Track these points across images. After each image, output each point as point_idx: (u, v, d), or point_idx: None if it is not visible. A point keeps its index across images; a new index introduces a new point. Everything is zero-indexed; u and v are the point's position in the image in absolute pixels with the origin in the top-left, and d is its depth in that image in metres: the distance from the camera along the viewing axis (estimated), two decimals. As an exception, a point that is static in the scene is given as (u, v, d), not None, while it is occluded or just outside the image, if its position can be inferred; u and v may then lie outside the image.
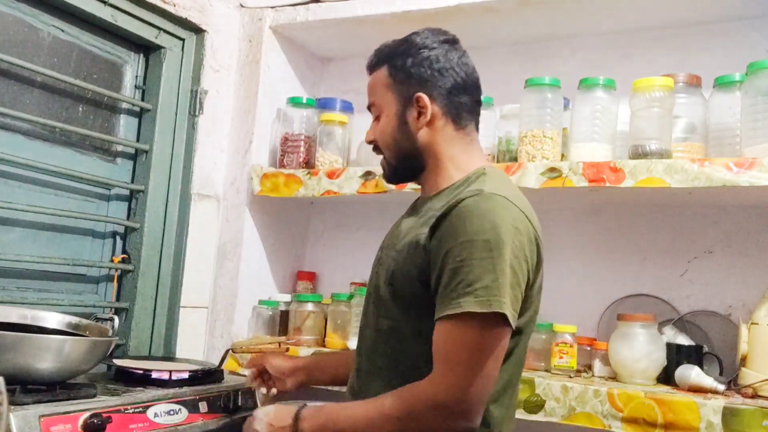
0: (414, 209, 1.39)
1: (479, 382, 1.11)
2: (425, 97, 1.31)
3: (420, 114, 1.31)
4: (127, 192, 2.03)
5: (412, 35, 1.36)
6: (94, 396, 1.43)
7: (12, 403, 1.23)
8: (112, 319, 1.61)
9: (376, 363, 1.30)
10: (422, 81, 1.31)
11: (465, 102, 1.34)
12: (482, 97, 1.40)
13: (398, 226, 1.38)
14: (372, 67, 1.40)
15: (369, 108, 1.42)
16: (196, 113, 2.13)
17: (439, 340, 1.15)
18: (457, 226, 1.16)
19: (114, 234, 2.00)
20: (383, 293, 1.29)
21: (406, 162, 1.35)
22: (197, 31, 2.14)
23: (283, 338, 1.98)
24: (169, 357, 2.03)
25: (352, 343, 2.00)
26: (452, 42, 1.36)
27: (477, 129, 1.39)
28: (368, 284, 1.40)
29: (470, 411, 1.12)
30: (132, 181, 2.04)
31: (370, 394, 1.24)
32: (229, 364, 2.00)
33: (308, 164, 2.18)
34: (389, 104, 1.35)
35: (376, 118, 1.39)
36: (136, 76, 2.07)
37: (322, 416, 1.24)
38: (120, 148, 2.03)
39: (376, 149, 1.40)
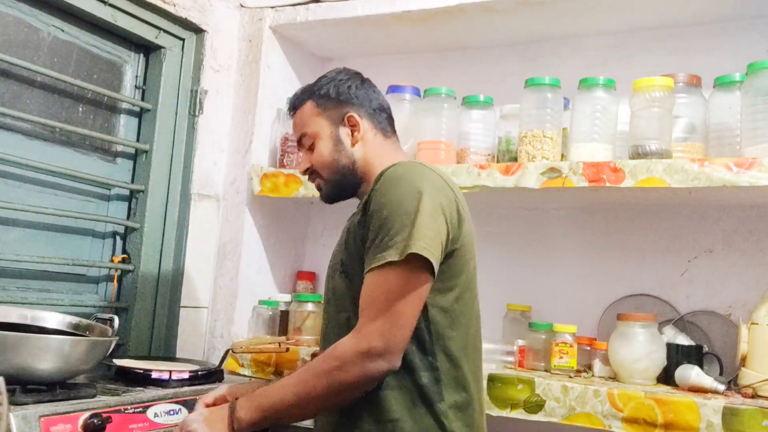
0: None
1: (397, 325, 1.18)
2: (355, 115, 1.44)
3: (353, 131, 1.44)
4: (127, 192, 2.03)
5: (325, 74, 1.50)
6: (94, 396, 1.43)
7: (12, 403, 1.23)
8: (112, 319, 1.61)
9: None
10: (348, 102, 1.45)
11: (385, 118, 1.49)
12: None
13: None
14: (296, 107, 1.51)
15: (299, 142, 1.51)
16: (196, 113, 2.13)
17: (363, 293, 1.22)
18: (379, 194, 1.25)
19: (114, 234, 2.00)
20: (338, 285, 1.35)
21: (346, 178, 1.45)
22: (197, 31, 2.14)
23: (283, 338, 1.98)
24: (169, 357, 2.03)
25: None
26: (359, 74, 1.50)
27: (398, 140, 1.52)
28: (324, 294, 1.47)
29: (390, 353, 1.18)
30: (132, 181, 2.04)
31: None
32: (229, 364, 2.00)
33: (308, 164, 2.18)
34: (322, 128, 1.45)
35: (309, 148, 1.48)
36: (136, 76, 2.07)
37: (255, 398, 1.27)
38: (120, 148, 2.03)
39: (312, 175, 1.49)
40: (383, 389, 1.23)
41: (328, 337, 1.37)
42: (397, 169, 1.28)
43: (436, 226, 1.21)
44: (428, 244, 1.19)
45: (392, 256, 1.18)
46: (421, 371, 1.23)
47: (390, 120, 1.50)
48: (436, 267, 1.21)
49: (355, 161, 1.44)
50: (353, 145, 1.44)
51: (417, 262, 1.18)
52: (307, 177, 1.52)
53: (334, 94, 1.45)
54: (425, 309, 1.23)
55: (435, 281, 1.23)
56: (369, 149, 1.44)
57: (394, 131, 1.51)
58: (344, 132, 1.44)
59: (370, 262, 1.22)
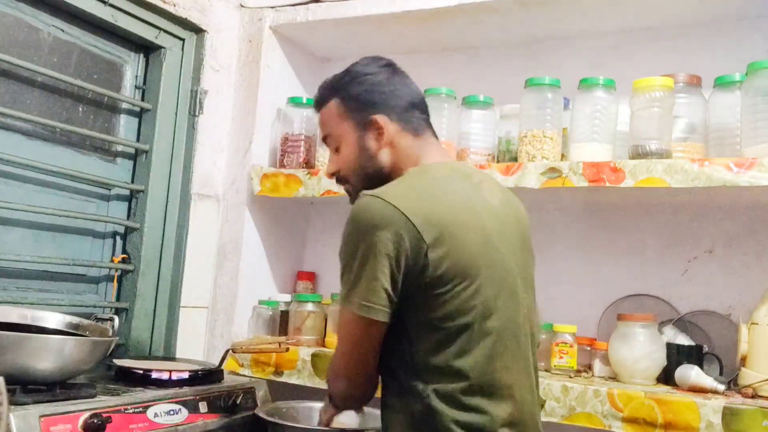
0: None
1: (345, 360, 1.28)
2: (381, 118, 1.35)
3: (379, 135, 1.36)
4: (127, 192, 2.03)
5: (352, 66, 1.42)
6: (94, 396, 1.43)
7: (12, 403, 1.23)
8: (112, 319, 1.61)
9: None
10: (374, 104, 1.36)
11: (417, 116, 1.39)
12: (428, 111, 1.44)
13: None
14: (320, 103, 1.43)
15: (324, 140, 1.46)
16: (196, 113, 2.13)
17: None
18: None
19: (114, 234, 2.00)
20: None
21: (373, 184, 1.34)
22: (197, 31, 2.14)
23: (283, 338, 1.97)
24: (169, 357, 2.03)
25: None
26: (392, 65, 1.42)
27: (434, 135, 1.43)
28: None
29: (345, 377, 1.30)
30: (132, 181, 2.04)
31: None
32: (229, 364, 2.00)
33: (308, 164, 2.18)
34: (347, 133, 1.39)
35: (335, 150, 1.42)
36: (136, 76, 2.07)
37: None
38: (120, 148, 2.03)
39: (340, 180, 1.44)
40: (387, 411, 1.28)
41: None
42: (355, 206, 1.24)
43: (374, 272, 1.19)
44: (364, 296, 1.19)
45: (341, 301, 1.24)
46: (411, 397, 1.22)
47: (422, 115, 1.41)
48: (384, 313, 1.20)
49: (383, 167, 1.37)
50: (380, 150, 1.36)
51: (352, 309, 1.22)
52: (334, 180, 1.46)
53: (360, 95, 1.37)
54: (408, 334, 1.23)
55: (422, 307, 1.21)
56: (397, 152, 1.36)
57: (428, 126, 1.41)
58: (370, 137, 1.36)
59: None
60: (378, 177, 1.36)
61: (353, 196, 1.40)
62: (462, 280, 1.21)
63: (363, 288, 1.20)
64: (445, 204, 1.25)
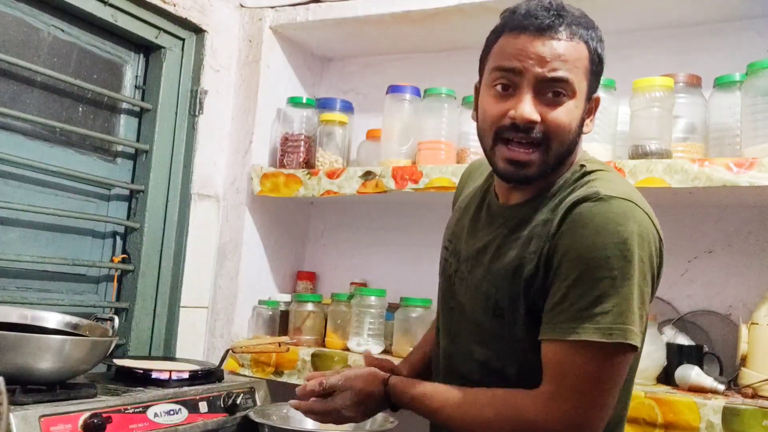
0: (491, 214, 1.21)
1: (595, 414, 1.01)
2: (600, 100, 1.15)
3: (590, 115, 1.15)
4: (127, 192, 2.03)
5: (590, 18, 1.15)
6: (94, 396, 1.43)
7: (12, 403, 1.23)
8: (112, 319, 1.61)
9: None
10: (598, 83, 1.15)
11: None
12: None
13: (472, 232, 1.23)
14: (569, 34, 1.09)
15: (550, 79, 1.07)
16: (196, 113, 2.13)
17: (552, 361, 1.03)
18: (572, 239, 1.02)
19: (114, 234, 2.00)
20: (486, 324, 1.14)
21: (559, 161, 1.12)
22: (197, 31, 2.14)
23: (283, 338, 1.97)
24: (169, 357, 2.03)
25: (352, 344, 2.00)
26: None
27: None
28: (447, 297, 1.25)
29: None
30: (132, 181, 2.04)
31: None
32: (229, 364, 2.00)
33: (308, 164, 2.18)
34: (581, 93, 1.10)
35: (557, 96, 1.08)
36: (136, 76, 2.07)
37: (419, 387, 1.17)
38: (120, 148, 2.03)
39: (527, 138, 1.08)
40: None
41: (459, 364, 1.20)
42: (599, 209, 1.01)
43: (643, 299, 1.01)
44: (639, 326, 1.00)
45: (589, 334, 0.98)
46: None
47: None
48: (641, 346, 1.04)
49: (574, 150, 1.14)
50: (583, 133, 1.14)
51: (621, 346, 0.99)
52: (509, 134, 1.09)
53: (602, 60, 1.13)
54: None
55: None
56: (580, 142, 1.15)
57: None
58: (587, 111, 1.13)
59: (555, 327, 1.02)
60: (565, 156, 1.12)
61: (534, 167, 1.09)
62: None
63: (638, 317, 1.01)
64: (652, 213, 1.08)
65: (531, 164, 1.09)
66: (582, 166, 1.13)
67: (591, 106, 1.14)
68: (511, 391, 1.08)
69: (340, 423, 1.26)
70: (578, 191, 1.07)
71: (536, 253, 1.06)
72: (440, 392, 1.15)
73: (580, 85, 1.09)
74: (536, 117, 1.07)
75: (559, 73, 1.07)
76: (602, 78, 1.18)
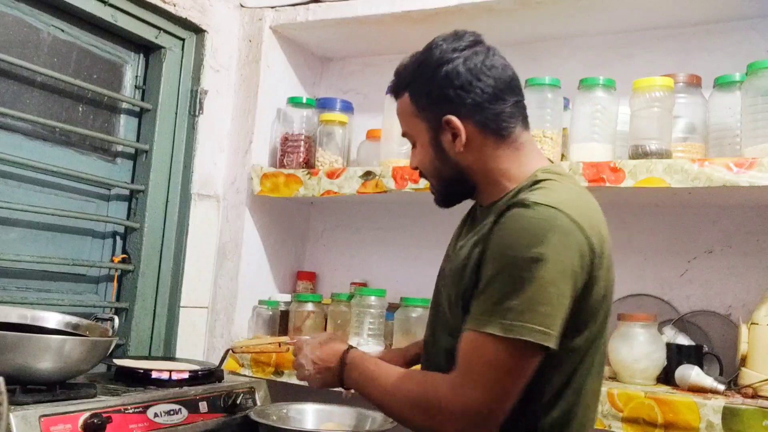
0: (473, 220, 1.32)
1: (497, 403, 1.08)
2: (455, 119, 1.20)
3: (455, 136, 1.22)
4: (127, 192, 2.03)
5: (429, 50, 1.25)
6: (94, 396, 1.43)
7: (12, 403, 1.23)
8: (112, 319, 1.61)
9: None
10: (448, 102, 1.21)
11: (502, 109, 1.21)
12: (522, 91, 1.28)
13: (458, 237, 1.34)
14: (394, 93, 1.31)
15: (403, 135, 1.32)
16: (196, 113, 2.13)
17: (464, 349, 1.10)
18: (498, 239, 1.11)
19: (114, 234, 2.00)
20: (446, 312, 1.24)
21: (454, 187, 1.28)
22: (197, 31, 2.14)
23: (283, 338, 1.97)
24: (169, 357, 2.03)
25: (352, 344, 2.00)
26: (471, 46, 1.23)
27: (526, 127, 1.26)
28: (434, 294, 1.34)
29: (483, 426, 1.09)
30: (132, 181, 2.04)
31: None
32: (229, 364, 2.00)
33: (308, 164, 2.18)
34: (420, 133, 1.26)
35: (414, 145, 1.30)
36: (136, 76, 2.07)
37: (364, 371, 1.26)
38: (120, 148, 2.03)
39: (422, 175, 1.32)
40: None
41: (428, 353, 1.32)
42: (523, 214, 1.09)
43: (556, 297, 1.06)
44: (540, 322, 1.04)
45: (494, 328, 1.05)
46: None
47: (512, 107, 1.22)
48: (555, 341, 1.06)
49: (463, 169, 1.24)
50: (457, 153, 1.22)
51: (524, 342, 1.05)
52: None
53: (431, 90, 1.22)
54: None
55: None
56: (480, 155, 1.22)
57: (517, 120, 1.23)
58: (446, 138, 1.22)
59: (472, 318, 1.10)
60: (458, 180, 1.27)
61: (435, 197, 1.33)
62: (598, 316, 1.16)
63: (541, 316, 1.06)
64: (599, 216, 1.20)
65: (434, 193, 1.33)
66: (536, 175, 1.21)
67: (446, 129, 1.22)
68: (433, 374, 1.19)
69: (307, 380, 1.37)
70: (517, 197, 1.15)
71: (478, 252, 1.16)
72: (383, 369, 1.24)
73: (416, 129, 1.27)
74: (412, 164, 1.33)
75: (402, 129, 1.31)
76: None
